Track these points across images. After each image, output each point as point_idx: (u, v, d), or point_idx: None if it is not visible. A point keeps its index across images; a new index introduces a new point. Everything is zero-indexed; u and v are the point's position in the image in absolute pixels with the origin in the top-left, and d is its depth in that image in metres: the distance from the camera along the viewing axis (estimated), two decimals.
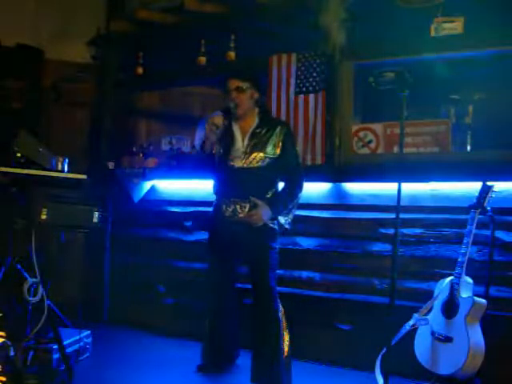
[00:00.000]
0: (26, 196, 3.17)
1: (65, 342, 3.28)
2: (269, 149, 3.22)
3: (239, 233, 3.23)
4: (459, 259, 3.05)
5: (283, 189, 3.30)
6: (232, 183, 3.25)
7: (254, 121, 3.31)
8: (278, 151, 3.24)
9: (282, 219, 3.26)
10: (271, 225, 3.24)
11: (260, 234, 3.21)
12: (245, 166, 3.22)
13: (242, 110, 3.27)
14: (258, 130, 3.27)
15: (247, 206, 3.21)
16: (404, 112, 2.78)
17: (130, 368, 3.57)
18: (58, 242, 3.53)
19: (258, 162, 3.21)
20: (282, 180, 3.34)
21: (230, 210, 3.25)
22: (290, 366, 3.24)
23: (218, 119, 3.21)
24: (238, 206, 3.23)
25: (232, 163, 3.25)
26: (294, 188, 3.26)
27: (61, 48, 4.76)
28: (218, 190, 3.38)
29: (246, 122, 3.31)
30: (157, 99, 5.21)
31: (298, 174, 3.30)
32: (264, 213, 3.15)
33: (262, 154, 3.21)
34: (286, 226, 3.29)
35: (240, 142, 3.27)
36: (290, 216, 3.29)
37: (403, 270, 3.36)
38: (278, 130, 3.26)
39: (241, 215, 3.21)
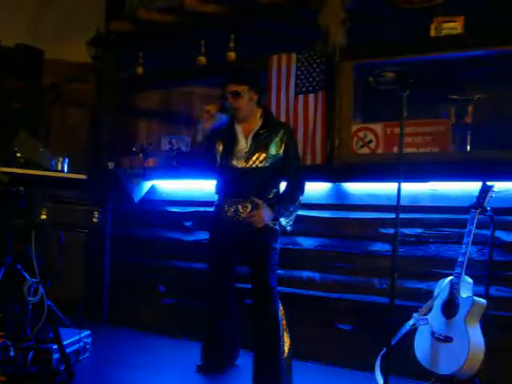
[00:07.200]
0: (25, 196, 3.16)
1: (65, 342, 3.28)
2: (271, 150, 3.23)
3: (241, 233, 3.23)
4: (459, 259, 3.04)
5: (285, 190, 3.31)
6: (234, 183, 3.26)
7: (257, 122, 3.30)
8: (281, 153, 3.24)
9: (283, 221, 3.26)
10: (272, 225, 3.24)
11: (261, 234, 3.22)
12: (247, 166, 3.23)
13: (243, 114, 3.27)
14: (261, 132, 3.27)
15: (249, 206, 3.21)
16: (404, 112, 2.78)
17: (129, 368, 3.57)
18: (58, 242, 3.52)
19: (260, 163, 3.22)
20: (284, 181, 3.34)
21: (232, 209, 3.25)
22: (291, 366, 3.24)
23: (212, 107, 3.20)
24: (239, 206, 3.23)
25: (234, 164, 3.25)
26: (296, 190, 3.27)
27: (61, 48, 4.74)
28: (219, 189, 3.38)
29: (248, 124, 3.30)
30: (157, 99, 5.20)
31: (299, 177, 3.31)
32: (265, 214, 3.16)
33: (264, 155, 3.22)
34: (288, 228, 3.30)
35: (243, 144, 3.27)
36: (292, 218, 3.30)
37: (403, 270, 3.36)
38: (281, 132, 3.26)
39: (243, 215, 3.22)
